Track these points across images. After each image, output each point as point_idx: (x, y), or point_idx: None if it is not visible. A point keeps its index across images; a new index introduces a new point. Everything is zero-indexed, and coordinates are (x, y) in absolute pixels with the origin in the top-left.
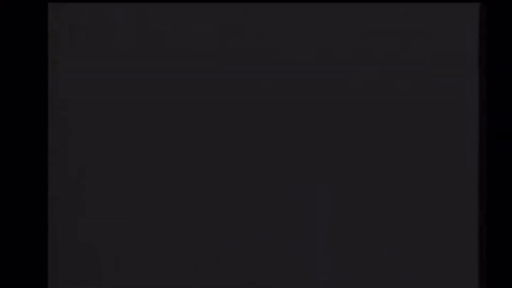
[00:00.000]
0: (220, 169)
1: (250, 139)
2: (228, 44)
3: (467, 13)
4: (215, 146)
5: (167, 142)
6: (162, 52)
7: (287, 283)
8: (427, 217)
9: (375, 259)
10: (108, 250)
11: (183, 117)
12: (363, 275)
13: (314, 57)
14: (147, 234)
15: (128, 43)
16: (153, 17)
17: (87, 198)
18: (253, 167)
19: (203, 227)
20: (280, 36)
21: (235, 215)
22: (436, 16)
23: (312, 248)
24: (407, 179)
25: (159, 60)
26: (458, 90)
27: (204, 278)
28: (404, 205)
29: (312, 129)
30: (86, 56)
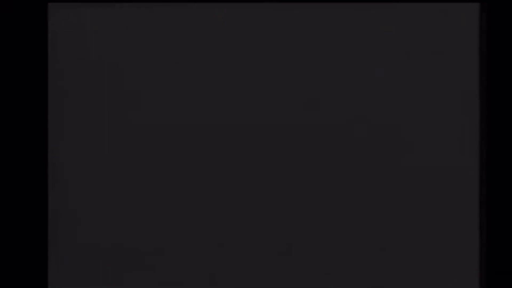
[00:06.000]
0: (220, 169)
1: (250, 139)
2: (228, 45)
3: (467, 13)
4: (214, 148)
5: (167, 142)
6: (162, 52)
7: (287, 283)
8: (427, 218)
9: (375, 259)
10: (108, 250)
11: (183, 117)
12: (364, 275)
13: (315, 57)
14: (147, 234)
15: (128, 43)
16: (153, 18)
17: (87, 198)
18: (252, 168)
19: (204, 229)
20: (279, 36)
21: (235, 216)
22: (436, 16)
23: (313, 248)
24: (408, 179)
25: (159, 60)
26: (458, 90)
27: (203, 278)
28: (405, 206)
29: (313, 128)
30: (86, 56)
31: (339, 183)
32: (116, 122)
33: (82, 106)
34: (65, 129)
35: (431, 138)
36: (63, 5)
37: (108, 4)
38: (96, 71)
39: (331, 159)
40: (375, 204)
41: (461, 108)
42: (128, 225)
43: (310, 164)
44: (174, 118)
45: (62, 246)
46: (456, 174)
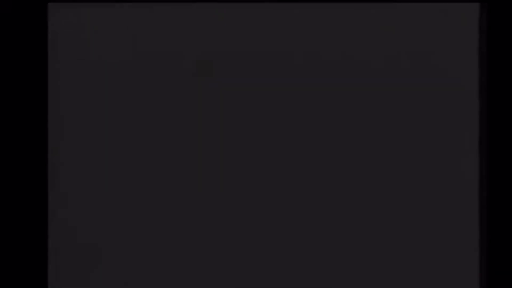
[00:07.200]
0: (219, 170)
1: (249, 141)
2: (228, 45)
3: (467, 13)
4: (213, 148)
5: (167, 143)
6: (161, 52)
7: (287, 283)
8: (427, 218)
9: (375, 259)
10: (108, 250)
11: (183, 118)
12: (364, 275)
13: (315, 57)
14: (147, 234)
15: (128, 44)
16: (153, 18)
17: (87, 198)
18: (252, 168)
19: (204, 229)
20: (277, 37)
21: (235, 216)
22: (436, 16)
23: (313, 248)
24: (408, 180)
25: (158, 61)
26: (458, 90)
27: (203, 279)
28: (405, 206)
29: (313, 130)
30: (86, 56)
31: (339, 183)
32: (116, 122)
33: (82, 106)
34: (65, 129)
35: (431, 138)
36: (63, 5)
37: (108, 4)
38: (96, 71)
39: (331, 159)
40: (375, 204)
41: (461, 108)
42: (129, 225)
43: (310, 165)
44: (174, 118)
45: (62, 246)
46: (456, 174)
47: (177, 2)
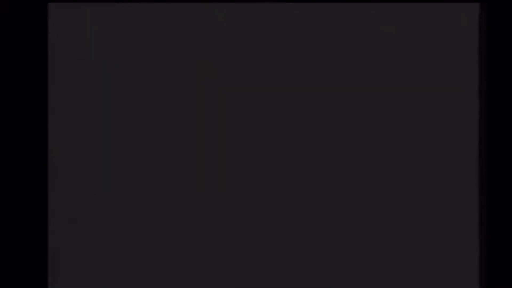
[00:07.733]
0: (218, 170)
1: (249, 140)
2: (228, 45)
3: (467, 13)
4: (213, 148)
5: (167, 143)
6: (161, 52)
7: (287, 283)
8: (427, 218)
9: (375, 259)
10: (108, 250)
11: (183, 117)
12: (364, 275)
13: (315, 57)
14: (147, 234)
15: (128, 44)
16: (153, 18)
17: (87, 198)
18: (252, 167)
19: (203, 228)
20: (277, 37)
21: (235, 216)
22: (436, 16)
23: (313, 248)
24: (408, 180)
25: (158, 61)
26: (458, 90)
27: (203, 279)
28: (405, 206)
29: (313, 130)
30: (86, 56)
31: (339, 183)
32: (116, 122)
33: (82, 106)
34: (65, 129)
35: (431, 138)
36: (63, 5)
37: (108, 4)
38: (96, 71)
39: (331, 159)
40: (375, 204)
41: (461, 108)
42: (128, 225)
43: (310, 165)
44: (174, 118)
45: (62, 246)
46: (456, 174)
47: (177, 2)
